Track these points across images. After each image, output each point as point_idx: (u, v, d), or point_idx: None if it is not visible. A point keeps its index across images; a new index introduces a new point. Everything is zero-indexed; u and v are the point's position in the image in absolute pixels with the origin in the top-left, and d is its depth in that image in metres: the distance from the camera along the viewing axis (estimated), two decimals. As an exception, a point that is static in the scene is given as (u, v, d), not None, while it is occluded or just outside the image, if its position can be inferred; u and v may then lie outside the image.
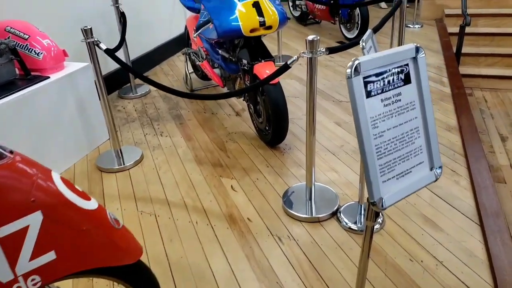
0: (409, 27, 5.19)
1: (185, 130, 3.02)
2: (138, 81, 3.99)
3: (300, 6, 5.62)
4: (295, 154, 2.60)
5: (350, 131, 2.83)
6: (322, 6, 4.87)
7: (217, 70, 3.08)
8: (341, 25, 4.83)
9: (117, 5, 3.39)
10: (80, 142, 2.71)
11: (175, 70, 4.26)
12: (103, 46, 2.35)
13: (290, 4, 5.87)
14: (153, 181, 2.44)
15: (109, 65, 3.74)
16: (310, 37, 1.78)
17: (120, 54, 3.73)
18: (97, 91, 2.49)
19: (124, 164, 2.59)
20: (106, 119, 2.55)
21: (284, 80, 3.79)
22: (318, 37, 1.80)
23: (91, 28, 2.30)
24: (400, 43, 2.97)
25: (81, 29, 2.27)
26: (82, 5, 3.36)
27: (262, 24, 2.39)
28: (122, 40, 3.22)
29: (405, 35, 4.36)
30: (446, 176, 2.28)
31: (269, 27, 2.44)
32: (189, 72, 3.63)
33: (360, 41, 1.52)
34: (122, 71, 3.79)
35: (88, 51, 2.34)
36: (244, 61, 2.59)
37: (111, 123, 2.54)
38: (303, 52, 1.83)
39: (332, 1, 4.74)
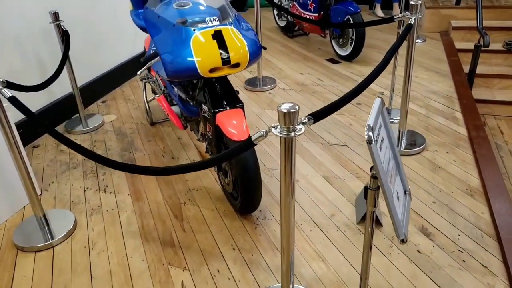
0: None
1: (135, 183, 2.41)
2: (89, 110, 3.36)
3: (285, 15, 5.01)
4: (272, 227, 2.01)
5: (343, 190, 2.24)
6: (311, 17, 4.27)
7: (175, 108, 2.47)
8: (332, 40, 4.24)
9: (58, 22, 2.75)
10: (-7, 207, 2.09)
11: (137, 94, 3.63)
12: (7, 93, 1.72)
13: (275, 12, 5.26)
14: (80, 269, 1.83)
15: (54, 93, 3.11)
16: (285, 107, 1.18)
17: (60, 82, 3.12)
18: (7, 144, 1.86)
19: (49, 238, 1.98)
20: (21, 179, 1.93)
21: (262, 111, 3.19)
22: (298, 107, 1.19)
23: (-11, 68, 1.68)
24: (408, 77, 2.40)
25: (-26, 70, 1.65)
26: (15, 24, 2.72)
27: (226, 61, 1.78)
28: (61, 66, 2.58)
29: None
30: (475, 276, 1.70)
31: (236, 65, 1.83)
32: (148, 100, 3.01)
33: (367, 131, 0.99)
34: (70, 98, 3.16)
35: (-12, 99, 1.72)
36: (204, 107, 1.99)
37: (27, 183, 1.92)
38: (273, 126, 1.23)
39: (319, 15, 4.15)
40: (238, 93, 2.21)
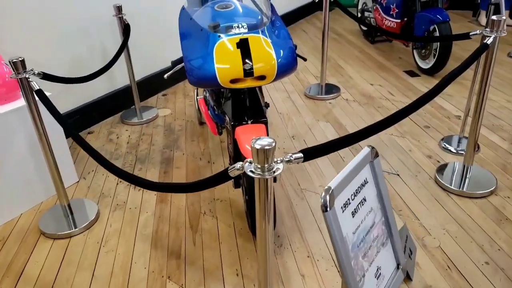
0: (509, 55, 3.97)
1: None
2: (145, 103, 3.43)
3: (369, 19, 4.64)
4: (285, 257, 1.82)
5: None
6: (392, 23, 3.88)
7: (213, 113, 2.37)
8: (414, 50, 3.81)
9: (120, 15, 2.82)
10: (33, 186, 2.20)
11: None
12: (35, 86, 1.77)
13: (359, 15, 4.91)
14: (86, 265, 1.84)
15: (116, 82, 3.23)
16: (260, 142, 0.99)
17: (122, 73, 3.23)
18: (37, 135, 1.93)
19: (72, 227, 2.03)
20: (49, 170, 1.99)
21: (315, 122, 2.96)
22: (274, 143, 1.00)
23: (23, 60, 1.73)
24: (481, 102, 2.01)
25: (9, 62, 1.71)
26: (81, 16, 2.85)
27: (249, 73, 1.62)
28: (114, 60, 2.64)
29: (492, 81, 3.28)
30: None
31: (262, 77, 1.66)
32: (198, 99, 2.97)
33: (324, 193, 0.83)
34: (127, 90, 3.25)
35: (21, 91, 1.78)
36: (227, 118, 1.86)
37: (54, 173, 1.98)
38: (248, 162, 1.05)
39: (402, 21, 3.74)
40: (268, 106, 2.04)
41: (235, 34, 1.65)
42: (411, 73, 3.72)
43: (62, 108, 2.91)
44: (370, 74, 3.78)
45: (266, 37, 1.68)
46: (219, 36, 1.66)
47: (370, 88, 3.48)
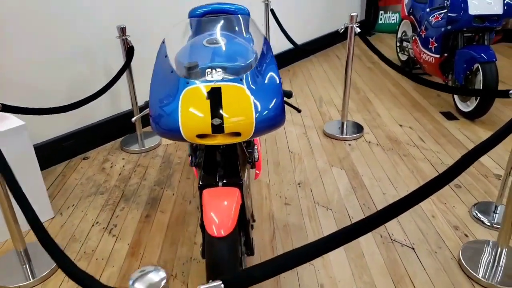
0: None
1: (144, 230, 2.11)
2: (148, 128, 3.21)
3: (407, 49, 4.22)
4: None
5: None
6: (430, 58, 3.45)
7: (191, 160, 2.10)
8: (453, 89, 3.37)
9: (124, 37, 2.63)
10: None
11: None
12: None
13: (398, 44, 4.49)
14: (27, 330, 1.59)
15: (119, 105, 3.04)
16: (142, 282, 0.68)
17: (126, 96, 3.04)
18: None
19: (27, 278, 1.80)
20: (2, 210, 1.77)
21: (328, 168, 2.60)
22: (164, 279, 0.71)
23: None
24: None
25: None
26: (84, 37, 2.69)
27: (218, 128, 1.33)
28: (110, 84, 2.44)
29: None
30: None
31: (237, 134, 1.36)
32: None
33: None
34: (130, 114, 3.05)
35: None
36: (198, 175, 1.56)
37: (8, 215, 1.76)
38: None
39: (441, 57, 3.32)
40: (256, 161, 1.73)
41: (207, 81, 1.37)
42: (449, 115, 3.28)
43: (57, 131, 2.75)
44: (401, 112, 3.37)
45: (246, 85, 1.38)
46: (187, 83, 1.37)
47: (398, 130, 3.08)
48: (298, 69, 4.56)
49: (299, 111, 1.56)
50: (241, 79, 1.39)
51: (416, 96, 3.70)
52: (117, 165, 2.74)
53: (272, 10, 3.71)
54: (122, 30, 2.61)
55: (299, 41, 4.74)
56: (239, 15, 2.23)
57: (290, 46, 4.61)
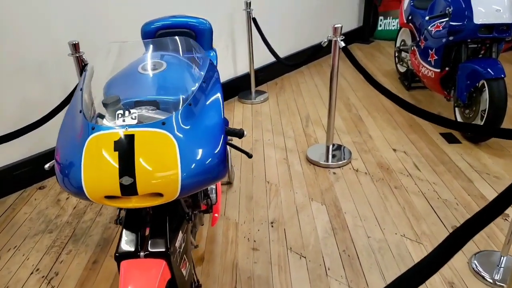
0: None
1: (86, 283, 1.81)
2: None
3: (406, 60, 3.89)
4: None
5: None
6: (430, 72, 3.11)
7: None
8: (455, 108, 3.02)
9: (77, 54, 2.34)
10: None
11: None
12: None
13: (396, 54, 4.16)
14: None
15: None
16: None
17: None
18: None
19: None
20: None
21: (308, 202, 2.28)
22: None
23: None
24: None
25: None
26: (35, 55, 2.40)
27: (129, 189, 1.02)
28: (65, 102, 2.16)
29: None
30: None
31: (159, 195, 1.06)
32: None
33: None
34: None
35: None
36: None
37: None
38: None
39: (442, 71, 2.98)
40: (213, 204, 1.45)
41: (117, 126, 1.06)
42: (450, 138, 2.93)
43: (6, 159, 2.47)
44: (396, 134, 3.04)
45: (172, 130, 1.08)
46: (93, 128, 1.07)
47: (391, 155, 2.74)
48: (287, 82, 4.25)
49: (249, 156, 1.25)
50: (163, 123, 1.08)
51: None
52: (73, 198, 2.45)
53: (254, 19, 3.41)
54: (75, 47, 2.32)
55: (288, 51, 4.42)
56: (194, 31, 1.93)
57: (281, 55, 4.30)
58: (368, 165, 2.64)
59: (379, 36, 5.63)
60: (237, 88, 3.91)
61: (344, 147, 2.84)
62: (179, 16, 1.97)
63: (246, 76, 3.85)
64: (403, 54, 3.96)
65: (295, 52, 4.53)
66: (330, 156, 2.72)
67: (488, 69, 2.59)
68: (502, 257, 1.80)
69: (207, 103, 1.23)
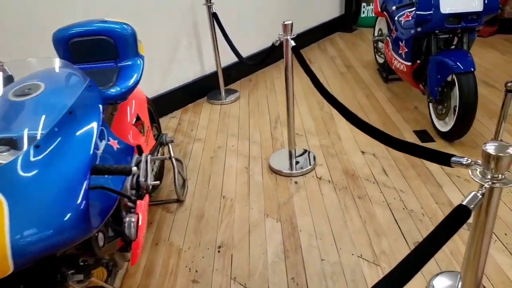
0: None
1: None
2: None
3: (383, 51, 3.66)
4: None
5: None
6: (402, 66, 2.90)
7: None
8: (429, 104, 2.82)
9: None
10: None
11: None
12: None
13: (374, 44, 3.93)
14: None
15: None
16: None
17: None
18: None
19: None
20: None
21: (261, 218, 2.10)
22: None
23: None
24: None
25: None
26: None
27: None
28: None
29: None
30: None
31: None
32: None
33: None
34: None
35: None
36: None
37: None
38: None
39: (413, 64, 2.77)
40: (132, 240, 1.30)
41: None
42: (424, 136, 2.73)
43: None
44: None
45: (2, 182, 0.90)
46: None
47: (359, 159, 2.55)
48: (262, 78, 4.04)
49: (133, 202, 1.08)
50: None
51: (389, 109, 3.15)
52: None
53: (214, 14, 3.19)
54: None
55: (263, 45, 4.20)
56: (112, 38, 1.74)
57: (254, 50, 4.09)
58: (333, 171, 2.45)
59: (363, 23, 5.37)
60: (205, 88, 3.72)
61: (309, 151, 2.66)
62: (95, 21, 1.77)
63: (215, 75, 3.65)
64: (380, 44, 3.73)
65: (268, 47, 4.31)
66: (293, 163, 2.54)
67: (458, 63, 2.37)
68: (460, 279, 1.62)
69: (70, 139, 1.05)
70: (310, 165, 2.50)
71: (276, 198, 2.27)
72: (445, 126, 2.63)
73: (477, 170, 0.97)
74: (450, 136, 2.59)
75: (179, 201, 2.29)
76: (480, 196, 0.95)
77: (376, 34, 3.85)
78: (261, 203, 2.24)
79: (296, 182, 2.39)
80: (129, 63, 1.79)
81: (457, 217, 0.88)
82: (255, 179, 2.46)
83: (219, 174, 2.55)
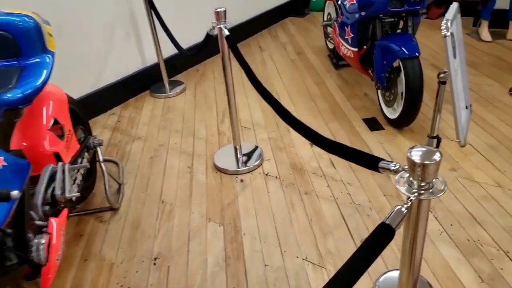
0: None
1: None
2: None
3: (332, 37, 3.56)
4: None
5: None
6: (349, 52, 2.80)
7: None
8: (377, 90, 2.74)
9: None
10: None
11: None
12: None
13: (324, 29, 3.82)
14: None
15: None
16: None
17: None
18: None
19: None
20: None
21: (203, 224, 1.96)
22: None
23: None
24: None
25: None
26: None
27: None
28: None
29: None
30: None
31: None
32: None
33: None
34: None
35: None
36: None
37: None
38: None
39: (360, 50, 2.67)
40: (42, 265, 1.12)
41: None
42: (372, 124, 2.66)
43: None
44: (317, 123, 2.73)
45: None
46: None
47: (307, 152, 2.45)
48: (210, 68, 3.85)
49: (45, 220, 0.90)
50: None
51: (339, 97, 3.05)
52: None
53: (150, 1, 2.96)
54: None
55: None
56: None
57: (200, 39, 3.88)
58: (281, 166, 2.33)
59: (314, 7, 5.25)
60: (148, 81, 3.49)
61: (257, 146, 2.52)
62: None
63: (158, 66, 3.43)
64: (329, 29, 3.62)
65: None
66: (240, 160, 2.39)
67: (403, 48, 2.29)
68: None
69: None
70: (258, 160, 2.37)
71: (220, 199, 2.13)
72: (393, 113, 2.56)
73: (403, 177, 0.87)
74: (399, 123, 2.53)
75: (113, 209, 2.10)
76: (405, 211, 0.85)
77: (325, 18, 3.74)
78: (203, 206, 2.09)
79: (242, 181, 2.25)
80: (36, 60, 1.57)
81: (380, 238, 0.77)
82: (198, 179, 2.30)
83: (159, 176, 2.37)
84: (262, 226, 1.92)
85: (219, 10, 1.97)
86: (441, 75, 1.54)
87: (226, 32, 1.98)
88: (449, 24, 1.01)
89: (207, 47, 2.38)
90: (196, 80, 3.62)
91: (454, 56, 1.16)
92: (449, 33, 1.01)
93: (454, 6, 1.23)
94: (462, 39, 1.31)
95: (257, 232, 1.89)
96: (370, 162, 1.01)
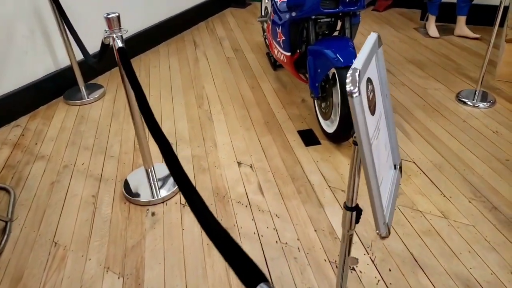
0: (464, 102, 2.65)
1: None
2: None
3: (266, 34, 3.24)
4: None
5: None
6: (282, 56, 2.49)
7: None
8: (315, 101, 2.47)
9: None
10: None
11: None
12: None
13: (261, 25, 3.49)
14: None
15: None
16: None
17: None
18: None
19: None
20: None
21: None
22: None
23: None
24: None
25: None
26: None
27: None
28: None
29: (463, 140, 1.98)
30: None
31: None
32: None
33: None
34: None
35: None
36: None
37: None
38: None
39: (293, 55, 2.38)
40: None
41: None
42: (309, 138, 2.39)
43: None
44: (248, 137, 2.43)
45: None
46: None
47: (233, 173, 2.14)
48: (136, 67, 3.44)
49: None
50: None
51: (274, 103, 2.76)
52: None
53: (52, -3, 2.52)
54: None
55: (131, 32, 3.57)
56: None
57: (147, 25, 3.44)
58: (202, 193, 2.02)
59: (257, -4, 4.91)
60: (62, 85, 3.04)
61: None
62: None
63: (72, 69, 2.98)
64: (266, 25, 3.30)
65: (149, 27, 3.69)
66: (154, 185, 2.05)
67: (338, 55, 2.01)
68: None
69: None
70: (175, 187, 2.04)
71: (124, 240, 1.79)
72: (331, 126, 2.30)
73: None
74: (336, 138, 2.27)
75: (-12, 259, 1.71)
76: None
77: (263, 13, 3.41)
78: (103, 251, 1.74)
79: (153, 214, 1.92)
80: None
81: None
82: (102, 213, 1.95)
83: (57, 208, 1.99)
84: (169, 278, 1.61)
85: (110, 16, 1.59)
86: (355, 135, 1.24)
87: (119, 44, 1.60)
88: (356, 76, 0.71)
89: (106, 56, 1.99)
90: (119, 82, 3.21)
91: (373, 112, 0.88)
92: (356, 93, 0.72)
93: (373, 38, 0.93)
94: (385, 75, 1.01)
95: (163, 286, 1.58)
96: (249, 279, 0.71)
